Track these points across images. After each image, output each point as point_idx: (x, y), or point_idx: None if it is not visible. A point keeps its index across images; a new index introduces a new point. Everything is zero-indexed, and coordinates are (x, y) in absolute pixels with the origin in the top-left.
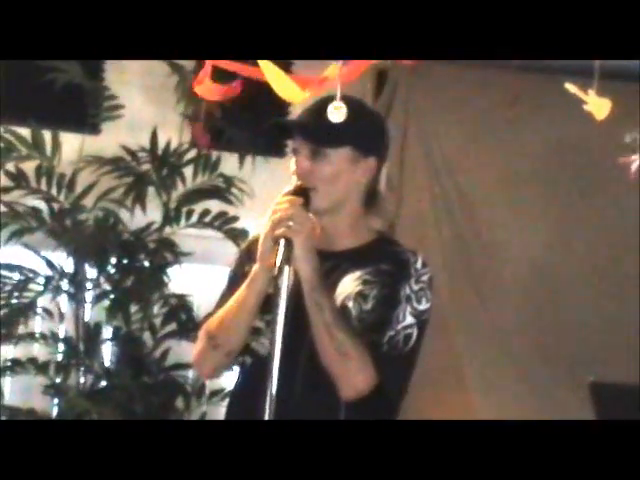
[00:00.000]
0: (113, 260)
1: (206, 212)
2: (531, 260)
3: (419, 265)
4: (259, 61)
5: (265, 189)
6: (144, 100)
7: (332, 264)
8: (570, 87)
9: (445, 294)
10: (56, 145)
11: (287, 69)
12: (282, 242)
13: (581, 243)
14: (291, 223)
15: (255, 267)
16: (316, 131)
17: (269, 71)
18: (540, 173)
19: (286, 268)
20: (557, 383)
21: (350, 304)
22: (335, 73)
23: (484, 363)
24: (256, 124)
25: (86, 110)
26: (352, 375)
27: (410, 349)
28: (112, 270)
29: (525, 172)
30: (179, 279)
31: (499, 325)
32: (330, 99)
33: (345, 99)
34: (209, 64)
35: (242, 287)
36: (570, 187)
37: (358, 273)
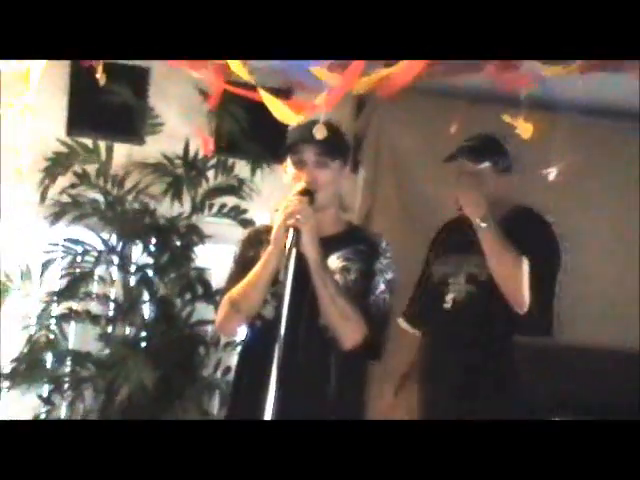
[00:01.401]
0: (153, 240)
1: (223, 205)
2: None
3: (384, 245)
4: (259, 90)
5: (268, 189)
6: (180, 118)
7: (323, 247)
8: (505, 117)
9: None
10: (110, 152)
11: (287, 97)
12: (291, 231)
13: None
14: (299, 217)
15: (269, 249)
16: (321, 146)
17: (268, 99)
18: None
19: (294, 251)
20: None
21: (337, 277)
22: (322, 100)
23: None
24: (263, 138)
25: (134, 125)
26: (350, 331)
27: (386, 309)
28: (152, 248)
29: None
30: (202, 256)
31: None
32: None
33: (331, 123)
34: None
35: (258, 265)
36: None
37: (340, 253)
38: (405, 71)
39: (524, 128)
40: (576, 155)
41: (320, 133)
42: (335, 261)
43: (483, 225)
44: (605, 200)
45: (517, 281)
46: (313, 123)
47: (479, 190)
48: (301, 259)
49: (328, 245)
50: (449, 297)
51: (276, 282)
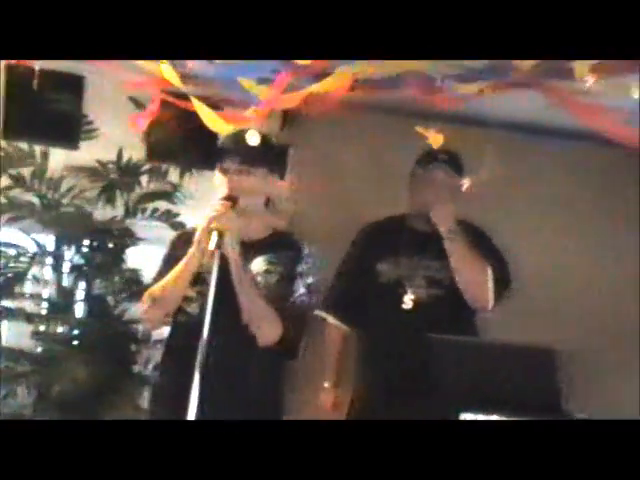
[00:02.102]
0: (87, 242)
1: (156, 209)
2: None
3: (306, 251)
4: (193, 100)
5: (198, 194)
6: (113, 125)
7: (247, 250)
8: (418, 128)
9: None
10: (45, 156)
11: (217, 108)
12: (214, 233)
13: None
14: (222, 220)
15: (190, 250)
16: (245, 155)
17: (201, 108)
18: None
19: (216, 252)
20: None
21: (259, 278)
22: (252, 113)
23: None
24: (195, 145)
25: (69, 131)
26: (267, 329)
27: (303, 311)
28: (86, 249)
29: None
30: (135, 257)
31: None
32: (245, 131)
33: (260, 133)
34: (158, 100)
35: (179, 265)
36: None
37: (265, 256)
38: (332, 88)
39: (434, 138)
40: (494, 168)
41: (253, 139)
42: (259, 264)
43: (451, 235)
44: (524, 208)
45: (484, 287)
46: (240, 132)
47: (453, 202)
48: (225, 260)
49: (254, 249)
50: (408, 298)
51: (202, 281)
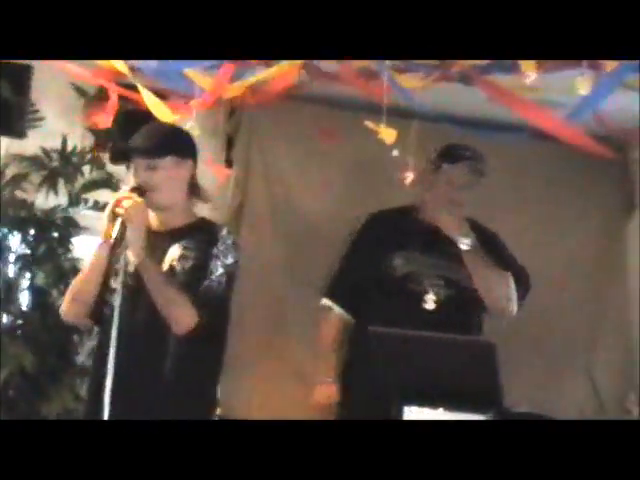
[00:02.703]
0: (31, 231)
1: (98, 201)
2: None
3: (224, 232)
4: (141, 90)
5: None
6: (59, 115)
7: (165, 239)
8: (369, 124)
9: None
10: None
11: (163, 98)
12: (119, 220)
13: None
14: (129, 211)
15: (98, 242)
16: (146, 149)
17: (148, 97)
18: (346, 185)
19: (123, 243)
20: None
21: (175, 264)
22: (197, 103)
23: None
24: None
25: (14, 119)
26: (179, 316)
27: (223, 291)
28: (30, 239)
29: (337, 182)
30: (78, 247)
31: None
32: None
33: (165, 124)
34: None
35: (91, 257)
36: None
37: (182, 242)
38: (277, 79)
39: (387, 134)
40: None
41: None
42: (176, 251)
43: (466, 247)
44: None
45: (508, 296)
46: (147, 128)
47: (461, 212)
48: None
49: (173, 236)
50: (429, 297)
51: (126, 273)
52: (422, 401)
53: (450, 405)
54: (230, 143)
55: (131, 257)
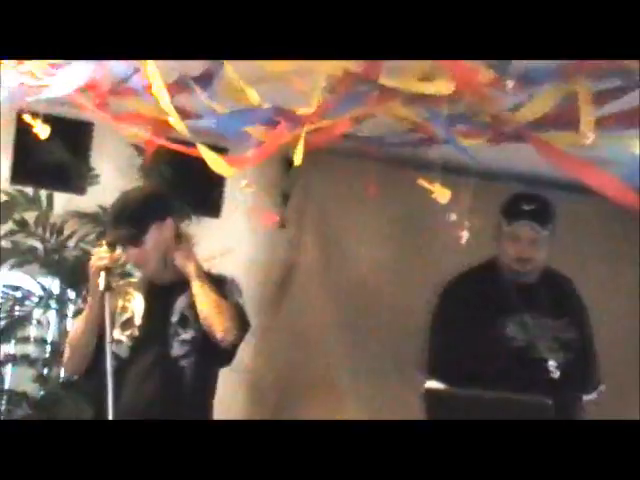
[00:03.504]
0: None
1: None
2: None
3: (229, 282)
4: (198, 147)
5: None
6: (116, 173)
7: (163, 293)
8: (422, 182)
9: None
10: (50, 201)
11: (222, 153)
12: (103, 273)
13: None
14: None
15: (88, 299)
16: (130, 235)
17: (205, 152)
18: (401, 246)
19: (107, 294)
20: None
21: (187, 313)
22: (253, 154)
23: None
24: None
25: (72, 177)
26: (226, 326)
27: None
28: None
29: (392, 242)
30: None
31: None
32: (135, 192)
33: (133, 196)
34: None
35: (84, 310)
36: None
37: (187, 294)
38: (331, 127)
39: (441, 193)
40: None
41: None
42: (183, 301)
43: None
44: None
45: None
46: (118, 212)
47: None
48: (152, 299)
49: (172, 290)
50: (552, 365)
51: (132, 325)
52: None
53: None
54: (285, 201)
55: (137, 309)
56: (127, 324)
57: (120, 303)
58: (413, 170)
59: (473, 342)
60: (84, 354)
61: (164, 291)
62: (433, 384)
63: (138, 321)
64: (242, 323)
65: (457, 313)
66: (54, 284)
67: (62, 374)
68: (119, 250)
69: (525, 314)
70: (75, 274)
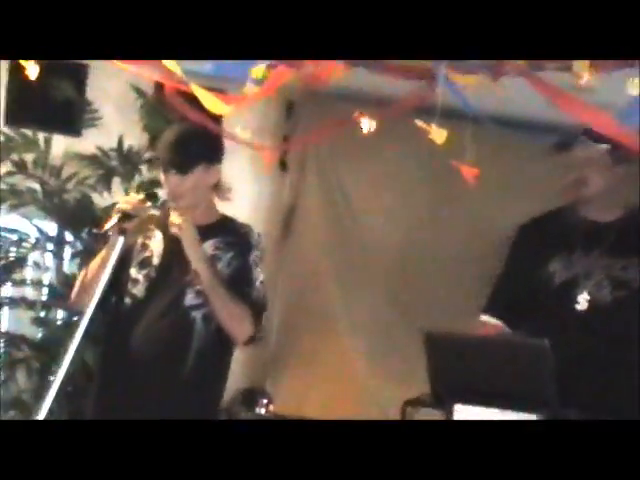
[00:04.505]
0: (87, 229)
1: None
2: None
3: (257, 237)
4: (193, 87)
5: None
6: (116, 114)
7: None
8: (418, 122)
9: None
10: (48, 143)
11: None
12: (116, 216)
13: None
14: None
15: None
16: (177, 163)
17: (199, 92)
18: (403, 185)
19: (120, 238)
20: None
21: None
22: (251, 92)
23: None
24: None
25: (72, 118)
26: (239, 327)
27: (266, 300)
28: (86, 236)
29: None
30: None
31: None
32: (194, 128)
33: (194, 129)
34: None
35: (103, 249)
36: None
37: (211, 241)
38: (326, 71)
39: (438, 134)
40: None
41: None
42: (206, 249)
43: None
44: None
45: None
46: (174, 137)
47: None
48: (171, 242)
49: (201, 234)
50: (582, 298)
51: (149, 264)
52: (475, 400)
53: (503, 405)
54: (286, 144)
55: (157, 249)
56: (145, 263)
57: (140, 240)
58: (412, 112)
59: (523, 280)
60: (91, 293)
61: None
62: (486, 318)
63: (156, 261)
64: (256, 313)
65: (519, 254)
66: (51, 227)
67: (60, 315)
68: (149, 203)
69: (577, 250)
70: (73, 217)
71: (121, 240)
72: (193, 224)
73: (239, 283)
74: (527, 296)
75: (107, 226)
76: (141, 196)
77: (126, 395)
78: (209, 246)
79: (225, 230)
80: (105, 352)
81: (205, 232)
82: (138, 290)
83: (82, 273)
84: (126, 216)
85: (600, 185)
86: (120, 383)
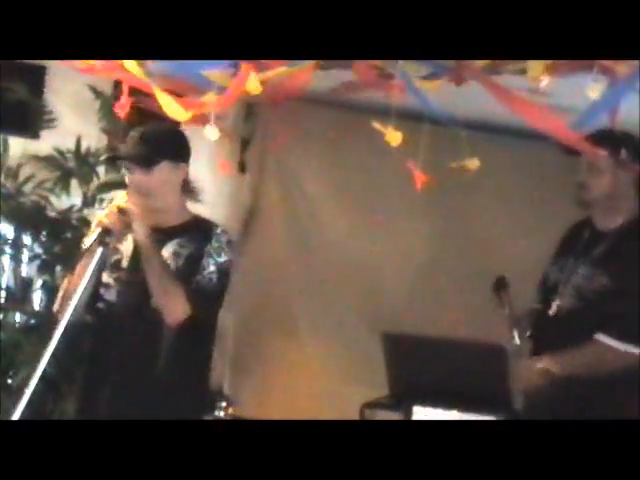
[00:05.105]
0: (45, 232)
1: (113, 199)
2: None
3: (219, 231)
4: (153, 88)
5: None
6: (73, 116)
7: (160, 238)
8: (376, 124)
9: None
10: (5, 145)
11: (180, 95)
12: (97, 231)
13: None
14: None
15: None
16: (141, 158)
17: (161, 96)
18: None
19: (99, 248)
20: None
21: (170, 262)
22: (211, 100)
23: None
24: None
25: (29, 120)
26: (172, 307)
27: (214, 288)
28: (44, 239)
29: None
30: None
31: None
32: (159, 124)
33: (160, 126)
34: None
35: (82, 259)
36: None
37: (176, 241)
38: (293, 78)
39: (393, 136)
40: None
41: (212, 134)
42: (170, 248)
43: None
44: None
45: None
46: (138, 134)
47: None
48: (137, 247)
49: (167, 235)
50: (555, 304)
51: (120, 268)
52: (434, 402)
53: (462, 406)
54: (245, 146)
55: (126, 252)
56: (115, 267)
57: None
58: (370, 115)
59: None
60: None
61: (154, 237)
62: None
63: (125, 264)
64: (198, 298)
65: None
66: (8, 229)
67: (18, 318)
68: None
69: (571, 257)
70: (31, 219)
71: (100, 251)
72: (150, 226)
73: (186, 269)
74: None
75: (89, 242)
76: (115, 209)
77: (103, 396)
78: (173, 244)
79: (192, 229)
80: (81, 356)
81: (172, 232)
82: (110, 294)
83: (64, 283)
84: (106, 230)
85: (602, 190)
86: (97, 385)
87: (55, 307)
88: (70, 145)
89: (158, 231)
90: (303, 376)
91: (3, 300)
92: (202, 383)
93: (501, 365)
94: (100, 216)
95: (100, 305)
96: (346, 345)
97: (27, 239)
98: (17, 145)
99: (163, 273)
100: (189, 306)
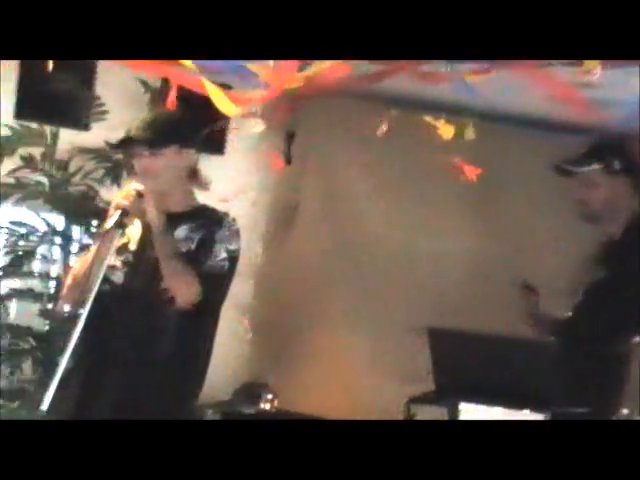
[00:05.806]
0: (94, 222)
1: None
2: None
3: (230, 219)
4: (204, 82)
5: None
6: (123, 108)
7: (171, 220)
8: (427, 119)
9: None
10: (55, 137)
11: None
12: (117, 212)
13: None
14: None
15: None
16: (148, 141)
17: (212, 90)
18: (402, 181)
19: (118, 230)
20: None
21: (181, 245)
22: (257, 95)
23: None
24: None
25: (79, 112)
26: (184, 289)
27: (224, 274)
28: (93, 230)
29: (393, 180)
30: None
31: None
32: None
33: (167, 114)
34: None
35: (96, 243)
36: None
37: (185, 226)
38: (330, 71)
39: (445, 129)
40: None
41: (258, 128)
42: (180, 232)
43: None
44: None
45: None
46: (147, 118)
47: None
48: (146, 230)
49: (174, 220)
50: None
51: (127, 250)
52: (479, 398)
53: (507, 402)
54: (290, 138)
55: (133, 234)
56: (122, 249)
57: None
58: (419, 110)
59: None
60: (84, 286)
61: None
62: None
63: (133, 247)
64: (209, 283)
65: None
66: (58, 220)
67: (67, 308)
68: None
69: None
70: (80, 210)
71: (118, 234)
72: (161, 209)
73: (198, 254)
74: None
75: (109, 223)
76: (133, 191)
77: (108, 379)
78: (183, 229)
79: (201, 216)
80: (85, 339)
81: (180, 218)
82: (117, 277)
83: (71, 270)
84: (125, 212)
85: (601, 202)
86: (101, 368)
87: (63, 293)
88: (119, 137)
89: (168, 215)
90: (346, 371)
91: (53, 290)
92: (203, 368)
93: (547, 362)
94: (118, 198)
95: (105, 287)
96: (389, 340)
97: (76, 230)
98: (67, 137)
99: (175, 255)
100: (201, 289)
